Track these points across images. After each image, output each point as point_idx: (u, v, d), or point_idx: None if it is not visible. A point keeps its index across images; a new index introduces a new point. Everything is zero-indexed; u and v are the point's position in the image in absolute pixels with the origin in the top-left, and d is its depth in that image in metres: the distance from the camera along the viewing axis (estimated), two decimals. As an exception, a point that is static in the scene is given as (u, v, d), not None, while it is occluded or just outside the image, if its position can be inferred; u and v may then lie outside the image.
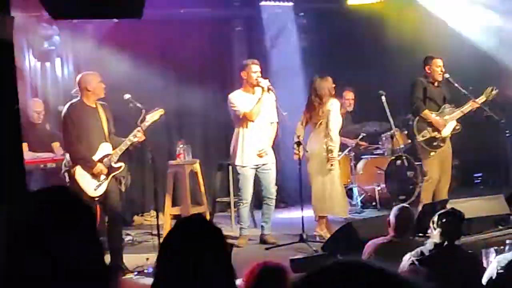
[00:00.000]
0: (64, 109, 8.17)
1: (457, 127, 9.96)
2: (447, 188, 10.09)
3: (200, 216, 3.16)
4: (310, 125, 9.47)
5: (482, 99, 9.93)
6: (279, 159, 9.34)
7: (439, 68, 9.87)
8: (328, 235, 8.75)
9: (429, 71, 9.91)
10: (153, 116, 8.31)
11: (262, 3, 12.33)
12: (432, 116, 9.82)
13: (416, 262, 5.24)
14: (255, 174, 9.19)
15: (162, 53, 11.81)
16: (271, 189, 9.24)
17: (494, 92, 9.93)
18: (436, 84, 9.94)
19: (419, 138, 9.84)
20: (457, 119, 9.95)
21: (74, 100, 8.10)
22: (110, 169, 8.01)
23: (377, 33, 12.73)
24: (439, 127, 9.81)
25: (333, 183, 9.39)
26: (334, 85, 9.45)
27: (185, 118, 11.87)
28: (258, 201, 9.85)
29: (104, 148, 8.02)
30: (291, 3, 12.53)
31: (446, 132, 9.87)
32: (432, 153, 9.84)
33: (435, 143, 9.83)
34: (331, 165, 9.23)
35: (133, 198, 11.11)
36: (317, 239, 9.12)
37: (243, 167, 9.11)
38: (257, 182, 9.26)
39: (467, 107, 9.91)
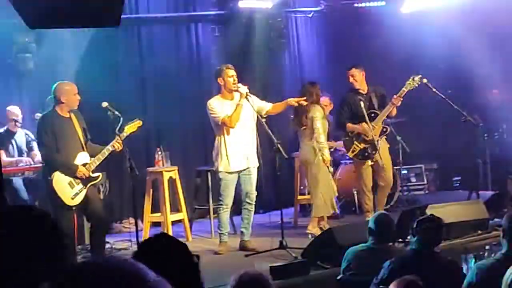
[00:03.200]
0: (39, 119, 8.17)
1: (384, 129, 9.99)
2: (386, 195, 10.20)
3: (163, 234, 3.15)
4: (298, 130, 9.66)
5: (403, 92, 9.80)
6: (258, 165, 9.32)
7: (352, 78, 10.00)
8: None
9: (351, 82, 10.04)
10: (132, 127, 8.33)
11: (240, 3, 12.25)
12: (356, 126, 9.89)
13: (396, 269, 5.24)
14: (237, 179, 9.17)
15: (139, 59, 11.75)
16: (251, 194, 9.19)
17: (416, 78, 9.79)
18: (364, 92, 9.98)
19: (350, 154, 9.96)
20: (383, 122, 10.00)
21: (47, 111, 8.09)
22: (89, 178, 7.99)
23: (354, 37, 12.79)
24: (366, 135, 9.84)
25: (331, 184, 9.74)
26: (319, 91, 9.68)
27: (164, 125, 11.80)
28: (237, 207, 9.81)
29: (82, 157, 8.00)
30: (269, 7, 12.51)
31: (373, 137, 9.89)
32: (367, 163, 9.90)
33: (366, 154, 9.88)
34: (328, 166, 9.53)
35: (112, 205, 11.03)
36: (309, 236, 9.21)
37: (225, 172, 9.06)
38: (238, 186, 9.22)
39: (389, 106, 9.90)
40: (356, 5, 13.26)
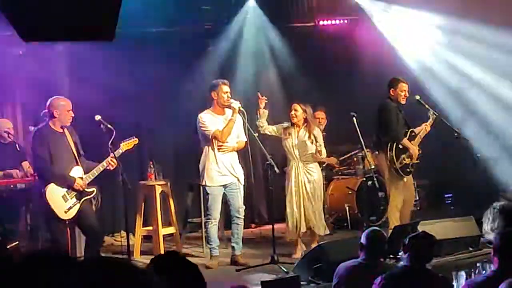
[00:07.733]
0: (33, 132, 8.17)
1: (419, 151, 9.96)
2: (410, 210, 10.15)
3: (174, 253, 3.13)
4: None
5: (431, 122, 9.93)
6: (249, 179, 9.33)
7: (404, 93, 9.77)
8: None
9: (393, 94, 9.81)
10: (127, 144, 8.38)
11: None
12: (409, 143, 9.77)
13: (387, 285, 5.23)
14: (224, 193, 9.17)
15: (132, 72, 11.72)
16: (239, 208, 9.21)
17: (434, 115, 9.95)
18: (400, 108, 9.91)
19: (397, 165, 9.71)
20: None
21: (40, 125, 8.10)
22: (83, 193, 8.00)
23: (348, 53, 12.83)
24: (414, 154, 9.77)
25: (319, 200, 9.79)
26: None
27: (156, 138, 11.81)
28: (228, 222, 9.81)
29: (76, 171, 8.00)
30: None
31: (416, 157, 9.85)
32: (405, 179, 9.82)
33: (408, 169, 9.82)
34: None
35: (104, 218, 11.01)
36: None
37: (212, 186, 9.09)
38: (226, 201, 9.24)
39: (423, 132, 9.92)
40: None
